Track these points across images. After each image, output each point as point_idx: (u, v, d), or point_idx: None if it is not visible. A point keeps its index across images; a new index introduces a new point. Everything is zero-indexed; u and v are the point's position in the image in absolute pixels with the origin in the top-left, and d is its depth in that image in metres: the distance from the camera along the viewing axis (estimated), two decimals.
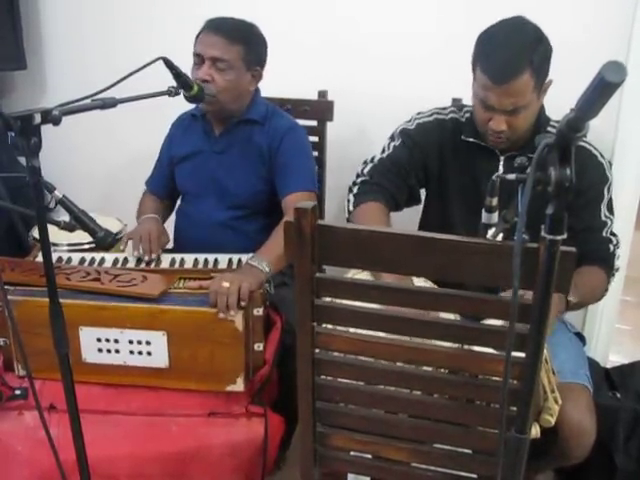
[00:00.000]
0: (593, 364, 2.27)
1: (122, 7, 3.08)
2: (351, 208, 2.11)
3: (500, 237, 1.42)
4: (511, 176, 1.18)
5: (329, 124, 2.75)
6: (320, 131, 2.75)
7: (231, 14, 2.32)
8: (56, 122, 1.41)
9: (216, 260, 2.19)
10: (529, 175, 1.00)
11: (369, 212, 2.04)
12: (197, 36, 2.28)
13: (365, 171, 2.15)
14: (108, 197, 3.30)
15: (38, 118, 1.36)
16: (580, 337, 2.21)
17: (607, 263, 2.01)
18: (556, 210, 1.00)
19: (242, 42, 2.25)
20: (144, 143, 2.93)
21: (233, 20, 2.29)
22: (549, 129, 2.01)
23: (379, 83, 2.81)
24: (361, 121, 2.88)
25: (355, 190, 2.13)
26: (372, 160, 2.16)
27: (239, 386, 1.95)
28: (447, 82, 2.62)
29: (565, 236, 1.03)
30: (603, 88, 0.84)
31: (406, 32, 2.77)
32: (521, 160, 1.12)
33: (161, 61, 1.78)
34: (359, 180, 2.14)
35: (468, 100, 2.20)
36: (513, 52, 1.81)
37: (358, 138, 2.90)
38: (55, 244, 2.40)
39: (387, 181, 2.10)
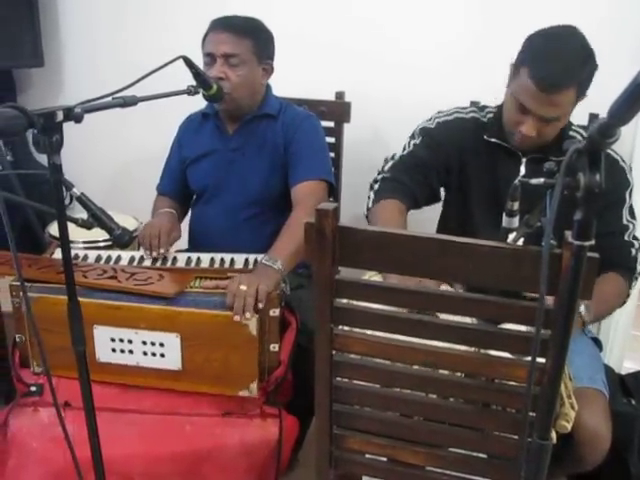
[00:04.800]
0: (608, 370, 2.26)
1: (139, 6, 3.10)
2: (370, 205, 2.11)
3: (521, 241, 1.42)
4: (536, 180, 1.17)
5: (346, 125, 2.76)
6: (337, 132, 2.75)
7: (248, 15, 2.32)
8: (78, 120, 1.41)
9: (232, 260, 2.19)
10: (558, 180, 0.99)
11: (386, 209, 2.03)
12: (204, 38, 2.29)
13: (386, 168, 2.14)
14: (121, 195, 3.31)
15: (60, 115, 1.36)
16: (596, 342, 2.20)
17: (629, 267, 2.00)
18: (584, 216, 1.00)
19: (251, 36, 2.26)
20: (156, 141, 2.93)
21: (238, 17, 2.30)
22: (571, 133, 2.00)
23: (396, 85, 2.81)
24: (378, 123, 2.88)
25: (375, 187, 2.12)
26: (393, 157, 2.15)
27: (252, 391, 1.93)
28: (465, 85, 2.62)
29: (593, 242, 1.03)
30: (639, 94, 0.83)
31: (424, 35, 2.77)
32: (549, 165, 1.11)
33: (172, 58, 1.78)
34: (380, 177, 2.13)
35: (485, 103, 2.20)
36: (565, 66, 1.79)
37: (375, 139, 2.90)
38: (71, 241, 2.40)
39: (407, 178, 2.08)
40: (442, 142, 2.10)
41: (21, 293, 1.92)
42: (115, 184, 3.39)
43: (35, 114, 1.31)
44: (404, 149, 2.15)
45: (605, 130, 0.93)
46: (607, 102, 1.65)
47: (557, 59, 1.80)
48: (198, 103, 2.23)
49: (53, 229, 2.63)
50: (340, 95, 2.76)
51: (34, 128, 1.32)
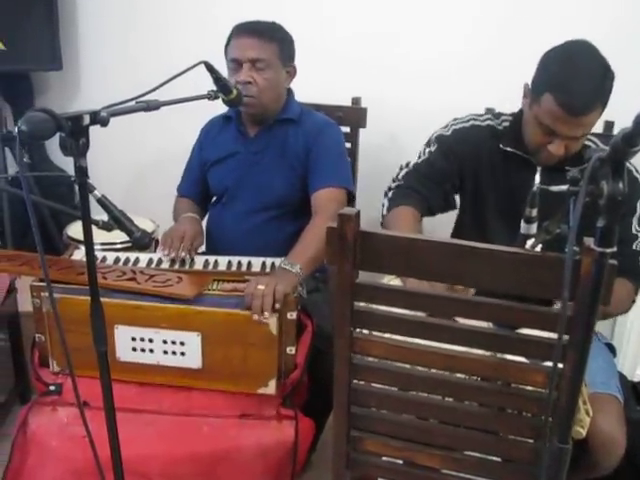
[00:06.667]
0: (621, 377, 2.26)
1: (157, 11, 3.12)
2: (384, 212, 2.12)
3: (539, 248, 1.43)
4: (557, 188, 1.19)
5: (362, 131, 2.78)
6: (353, 137, 2.78)
7: (268, 19, 2.34)
8: (104, 123, 1.43)
9: (249, 263, 2.20)
10: (582, 188, 1.01)
11: (400, 216, 2.04)
12: (227, 44, 2.32)
13: (400, 176, 2.15)
14: (136, 197, 3.32)
15: (87, 119, 1.39)
16: (610, 348, 2.20)
17: (636, 275, 1.99)
18: (607, 223, 1.01)
19: (275, 40, 2.29)
20: (170, 144, 2.96)
21: (260, 22, 2.32)
22: (587, 142, 1.99)
23: (412, 91, 2.83)
24: (393, 128, 2.90)
25: (390, 195, 2.13)
26: (407, 165, 2.16)
27: (271, 389, 1.96)
28: (480, 92, 2.64)
29: (615, 249, 1.04)
30: None
31: (439, 43, 2.80)
32: (573, 173, 1.13)
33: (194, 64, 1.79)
34: (394, 185, 2.15)
35: (500, 110, 2.21)
36: (591, 87, 1.79)
37: (390, 145, 2.92)
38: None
39: (421, 185, 2.09)
40: (457, 149, 2.10)
41: (42, 293, 1.95)
42: (129, 187, 3.40)
43: (63, 118, 1.33)
44: (419, 157, 2.15)
45: (629, 139, 0.95)
46: (620, 108, 1.67)
47: (580, 83, 1.79)
48: (210, 107, 2.23)
49: (71, 230, 2.65)
50: (356, 101, 2.78)
51: (62, 131, 1.34)
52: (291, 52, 2.37)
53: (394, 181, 2.17)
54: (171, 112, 2.04)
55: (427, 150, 2.15)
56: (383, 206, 2.14)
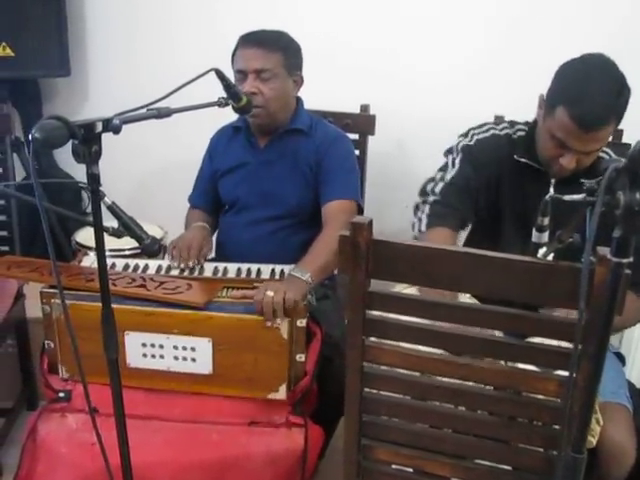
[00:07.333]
0: (630, 386, 2.25)
1: (166, 18, 3.13)
2: (423, 228, 2.04)
3: (551, 257, 1.43)
4: (569, 197, 1.19)
5: (370, 138, 2.78)
6: (361, 144, 2.78)
7: (277, 28, 2.35)
8: (116, 131, 1.43)
9: (259, 270, 2.20)
10: (599, 198, 1.01)
11: (439, 240, 1.98)
12: (233, 54, 2.32)
13: (437, 190, 2.07)
14: (142, 204, 3.32)
15: (99, 127, 1.39)
16: (619, 357, 2.20)
17: None
18: (623, 233, 1.01)
19: (280, 49, 2.29)
20: (175, 151, 2.96)
21: (265, 31, 2.32)
22: (601, 154, 1.97)
23: (421, 98, 2.83)
24: (402, 135, 2.91)
25: (427, 210, 2.06)
26: (442, 179, 2.08)
27: (281, 394, 1.96)
28: (489, 100, 2.64)
29: (631, 259, 1.04)
30: None
31: (449, 50, 2.80)
32: (590, 183, 1.13)
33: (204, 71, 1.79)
34: (431, 199, 2.07)
35: (509, 118, 2.20)
36: (605, 103, 1.78)
37: (399, 152, 2.92)
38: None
39: (458, 201, 2.05)
40: (483, 160, 2.07)
41: (52, 300, 1.95)
42: (135, 194, 3.40)
43: (76, 125, 1.33)
44: (445, 167, 2.11)
45: None
46: (628, 117, 1.66)
47: (594, 98, 1.78)
48: (215, 115, 2.23)
49: (80, 237, 2.65)
50: (365, 108, 2.78)
51: (75, 139, 1.35)
52: (297, 60, 2.37)
53: (429, 194, 2.09)
54: (176, 119, 2.04)
55: (455, 161, 2.10)
56: (420, 221, 2.06)
